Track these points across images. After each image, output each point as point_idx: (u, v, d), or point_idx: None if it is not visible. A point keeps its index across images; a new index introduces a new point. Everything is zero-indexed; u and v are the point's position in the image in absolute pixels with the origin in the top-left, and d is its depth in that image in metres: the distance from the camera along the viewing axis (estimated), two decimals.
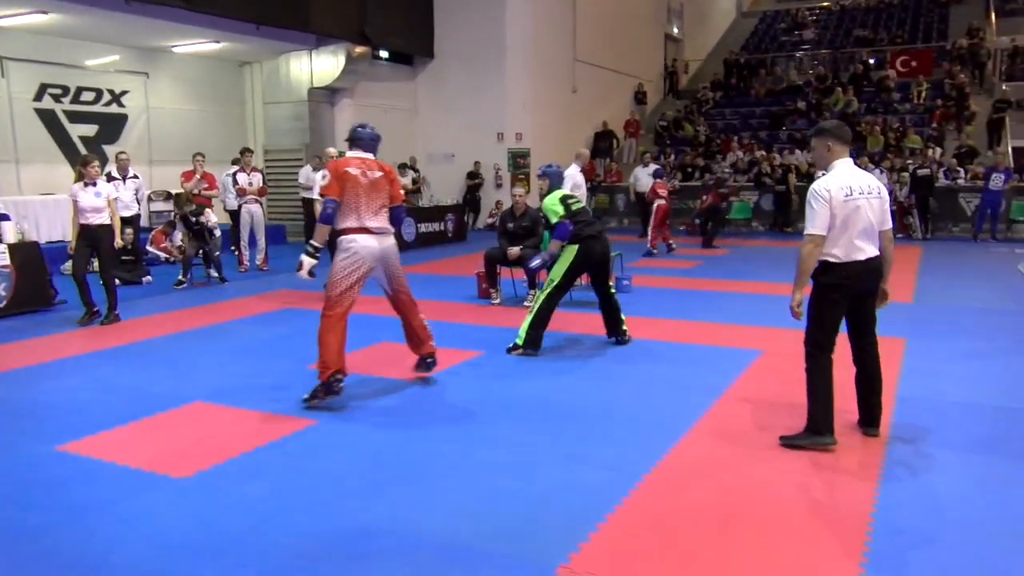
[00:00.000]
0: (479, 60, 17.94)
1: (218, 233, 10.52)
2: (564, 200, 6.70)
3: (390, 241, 5.40)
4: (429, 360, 5.83)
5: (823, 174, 4.44)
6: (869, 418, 4.56)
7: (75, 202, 7.88)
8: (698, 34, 28.27)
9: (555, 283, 6.51)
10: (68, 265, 11.40)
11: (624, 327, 6.88)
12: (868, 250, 4.30)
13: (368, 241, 5.23)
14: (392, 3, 16.89)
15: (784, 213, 17.37)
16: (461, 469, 4.10)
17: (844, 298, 4.32)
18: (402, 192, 5.45)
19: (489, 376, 5.91)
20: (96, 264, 8.16)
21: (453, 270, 11.77)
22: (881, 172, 16.20)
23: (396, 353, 6.62)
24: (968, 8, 25.14)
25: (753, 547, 3.24)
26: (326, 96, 16.58)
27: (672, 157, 20.36)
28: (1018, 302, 8.54)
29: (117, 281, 8.31)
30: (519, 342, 6.48)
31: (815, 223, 4.22)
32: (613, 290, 6.96)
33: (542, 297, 6.52)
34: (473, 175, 18.22)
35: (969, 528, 3.40)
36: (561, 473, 4.02)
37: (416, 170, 16.43)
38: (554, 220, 6.57)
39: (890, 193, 15.69)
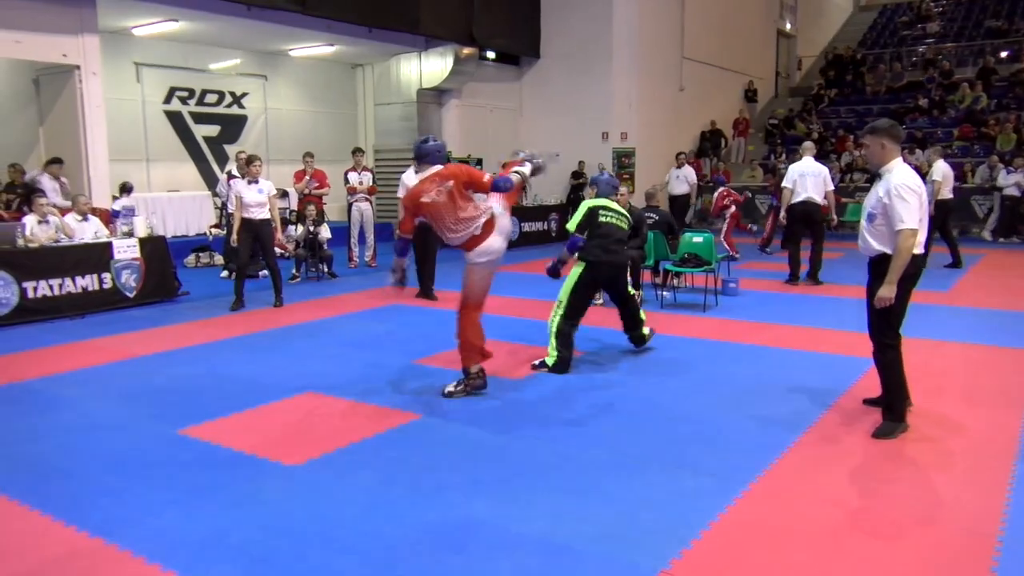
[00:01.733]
0: (585, 59, 17.87)
1: (327, 244, 10.85)
2: (593, 211, 6.31)
3: (500, 218, 5.32)
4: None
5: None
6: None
7: (239, 198, 8.60)
8: (813, 29, 27.28)
9: (562, 303, 6.14)
10: (193, 258, 12.05)
11: (644, 329, 6.57)
12: (925, 244, 4.54)
13: (495, 242, 5.26)
14: (499, 4, 17.05)
15: None
16: (561, 468, 4.10)
17: (913, 287, 4.57)
18: (486, 179, 5.35)
19: (589, 376, 5.89)
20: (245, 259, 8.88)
21: None
22: (1009, 172, 15.23)
23: (498, 351, 6.67)
24: None
25: (864, 562, 3.11)
26: (434, 97, 16.91)
27: (784, 156, 19.72)
28: None
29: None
30: (548, 361, 6.08)
31: (912, 216, 4.36)
32: (633, 292, 6.65)
33: (555, 319, 6.13)
34: (577, 174, 18.17)
35: None
36: (664, 478, 3.97)
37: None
38: (570, 228, 6.36)
39: (1022, 195, 14.84)
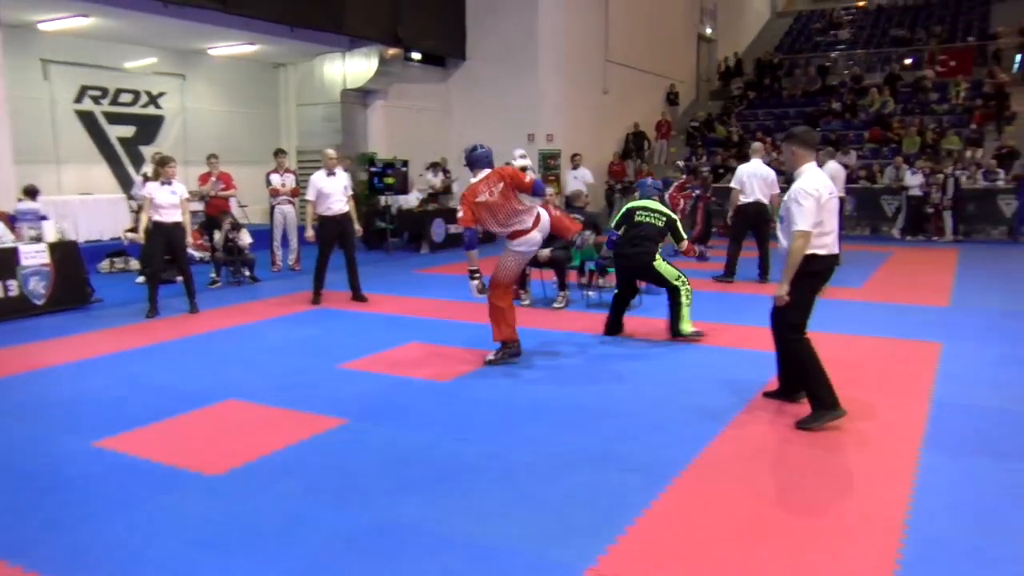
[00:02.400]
0: (511, 61, 17.94)
1: (248, 250, 10.62)
2: (631, 211, 7.20)
3: (541, 216, 6.14)
4: (574, 242, 6.58)
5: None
6: (795, 393, 5.08)
7: (150, 199, 8.24)
8: (732, 34, 28.02)
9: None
10: (107, 262, 11.63)
11: (682, 325, 6.99)
12: (837, 244, 4.77)
13: (534, 236, 6.12)
14: (425, 5, 16.97)
15: None
16: (489, 471, 4.11)
17: (819, 286, 4.79)
18: (528, 178, 6.24)
19: (517, 377, 5.91)
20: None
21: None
22: (914, 173, 15.94)
23: (426, 354, 6.67)
24: (1010, 5, 24.63)
25: (782, 554, 3.21)
26: (359, 97, 16.71)
27: (704, 158, 20.20)
28: None
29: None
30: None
31: (806, 220, 4.57)
32: (676, 283, 7.06)
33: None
34: None
35: (1007, 538, 3.33)
36: (590, 475, 4.01)
37: (447, 171, 16.48)
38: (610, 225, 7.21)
39: (925, 195, 15.56)
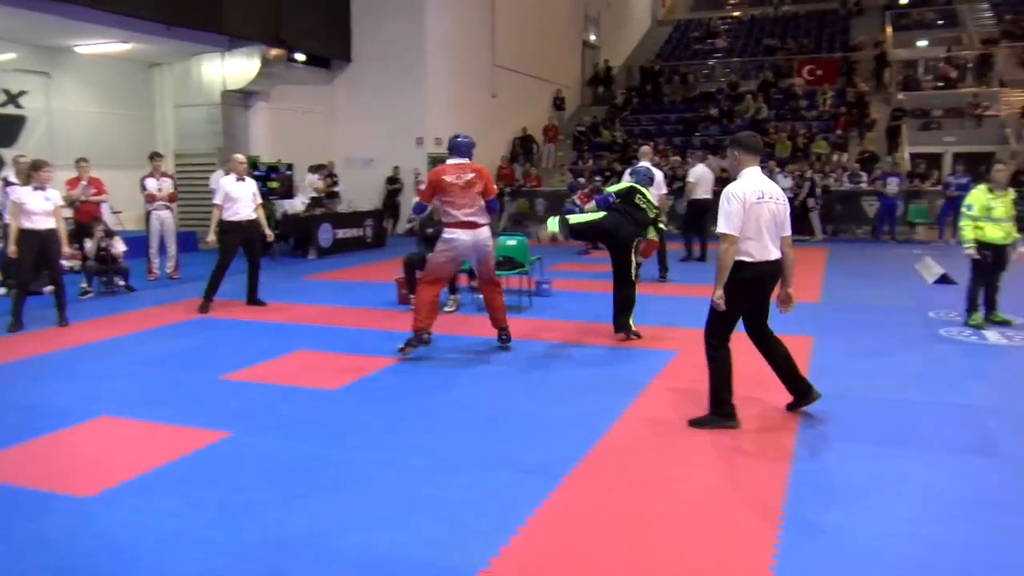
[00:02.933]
0: (398, 64, 17.81)
1: (123, 259, 10.12)
2: (634, 192, 7.22)
3: (484, 232, 6.42)
4: (504, 335, 6.78)
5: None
6: (806, 389, 4.95)
7: (20, 205, 7.71)
8: (615, 41, 28.75)
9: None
10: None
11: (630, 320, 7.15)
12: (774, 252, 4.64)
13: (464, 236, 6.30)
14: (308, 5, 16.62)
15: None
16: (380, 478, 4.05)
17: (750, 295, 4.66)
18: (494, 187, 6.55)
19: (409, 383, 5.86)
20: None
21: (372, 276, 11.65)
22: (785, 176, 16.78)
23: (313, 361, 6.52)
24: (868, 21, 26.34)
25: (669, 545, 3.31)
26: (240, 99, 16.19)
27: (591, 162, 20.64)
28: (916, 299, 8.97)
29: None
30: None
31: (730, 223, 4.50)
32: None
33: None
34: (392, 180, 18.07)
35: (876, 518, 3.54)
36: (481, 478, 4.02)
37: (333, 174, 16.18)
38: (609, 189, 7.39)
39: (795, 197, 16.42)
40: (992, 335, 7.19)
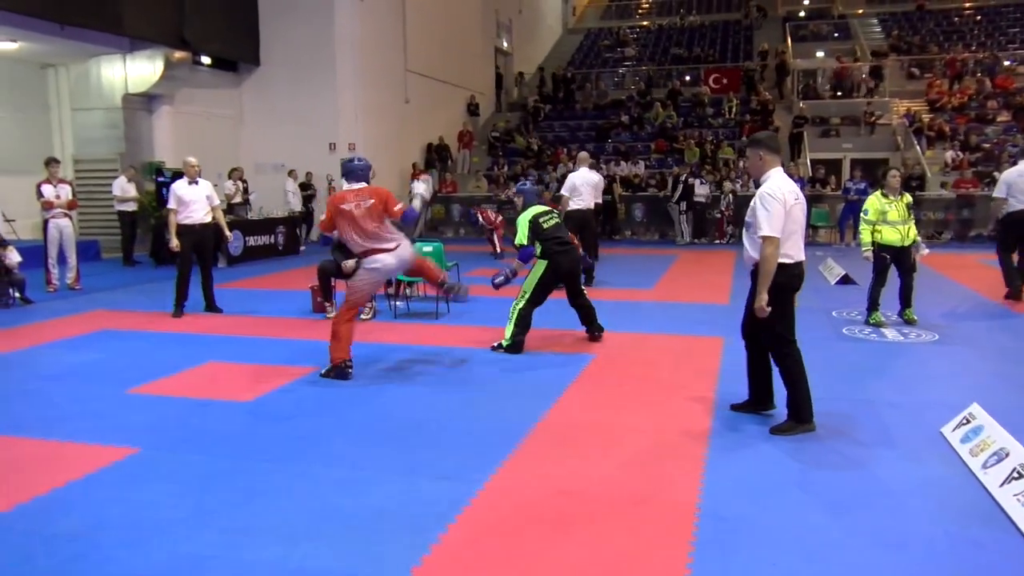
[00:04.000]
0: (308, 68, 17.53)
1: (17, 269, 9.61)
2: (536, 220, 7.00)
3: (405, 247, 6.13)
4: (444, 283, 6.66)
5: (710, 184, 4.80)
6: (767, 400, 5.04)
7: None
8: (527, 48, 29.02)
9: (526, 296, 6.91)
10: None
11: (598, 325, 7.26)
12: (804, 251, 4.67)
13: (388, 259, 6.01)
14: (213, 7, 16.18)
15: (611, 221, 18.10)
16: (294, 490, 3.96)
17: (793, 294, 4.67)
18: (397, 208, 6.10)
19: (324, 393, 5.76)
20: None
21: (286, 284, 11.41)
22: (703, 183, 17.26)
23: (224, 373, 6.34)
24: (768, 32, 27.38)
25: (588, 545, 3.35)
26: (143, 103, 15.62)
27: (505, 168, 20.75)
28: (819, 300, 9.33)
29: None
30: (504, 343, 6.86)
31: (773, 225, 4.43)
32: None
33: (518, 307, 6.89)
34: (305, 186, 17.74)
35: (786, 511, 3.67)
36: (400, 486, 3.98)
37: (244, 180, 15.76)
38: (517, 242, 6.98)
39: (708, 203, 16.90)
40: (891, 333, 7.56)
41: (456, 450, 4.50)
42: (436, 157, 21.00)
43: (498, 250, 14.33)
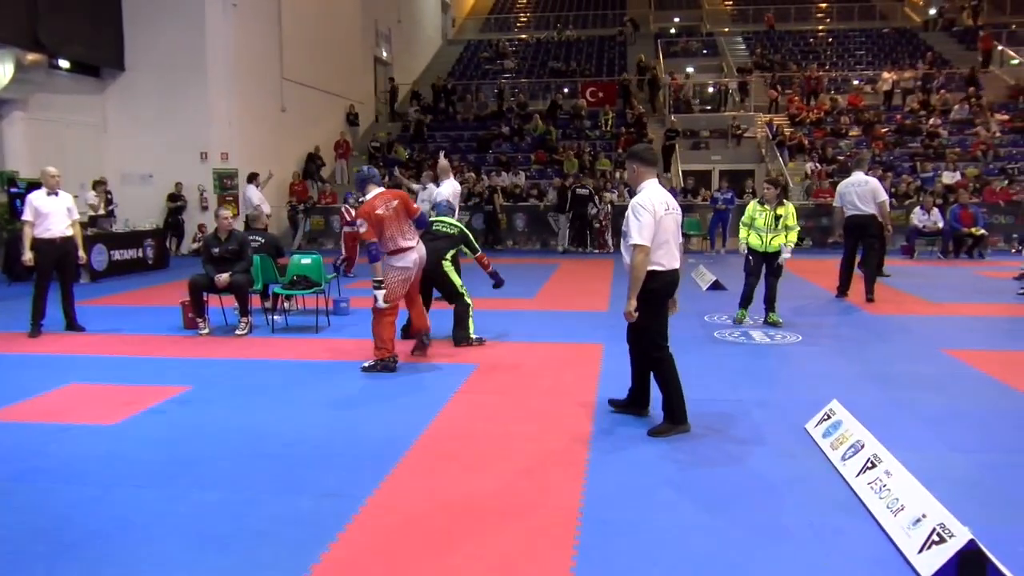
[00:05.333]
0: (177, 74, 16.81)
1: None
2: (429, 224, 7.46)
3: (421, 245, 6.74)
4: (425, 338, 7.09)
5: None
6: (643, 401, 5.24)
7: None
8: (407, 59, 28.89)
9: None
10: None
11: (471, 332, 7.54)
12: (678, 260, 4.86)
13: (413, 255, 6.59)
14: (71, 7, 15.26)
15: (494, 231, 18.24)
16: (167, 517, 3.76)
17: (664, 302, 4.85)
18: (415, 207, 6.72)
19: (199, 412, 5.51)
20: None
21: (155, 300, 10.87)
22: (589, 192, 17.56)
23: (88, 395, 5.98)
24: (640, 48, 28.37)
25: (473, 557, 3.34)
26: None
27: (386, 178, 20.52)
28: (692, 305, 9.69)
29: None
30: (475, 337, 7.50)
31: (643, 234, 4.62)
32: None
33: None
34: (175, 197, 16.99)
35: (663, 512, 3.78)
36: (279, 507, 3.85)
37: (109, 192, 14.93)
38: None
39: (596, 213, 17.25)
40: (758, 335, 7.95)
41: (338, 466, 4.41)
42: (315, 167, 20.54)
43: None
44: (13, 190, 13.20)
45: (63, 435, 5.01)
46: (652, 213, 4.65)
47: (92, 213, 14.09)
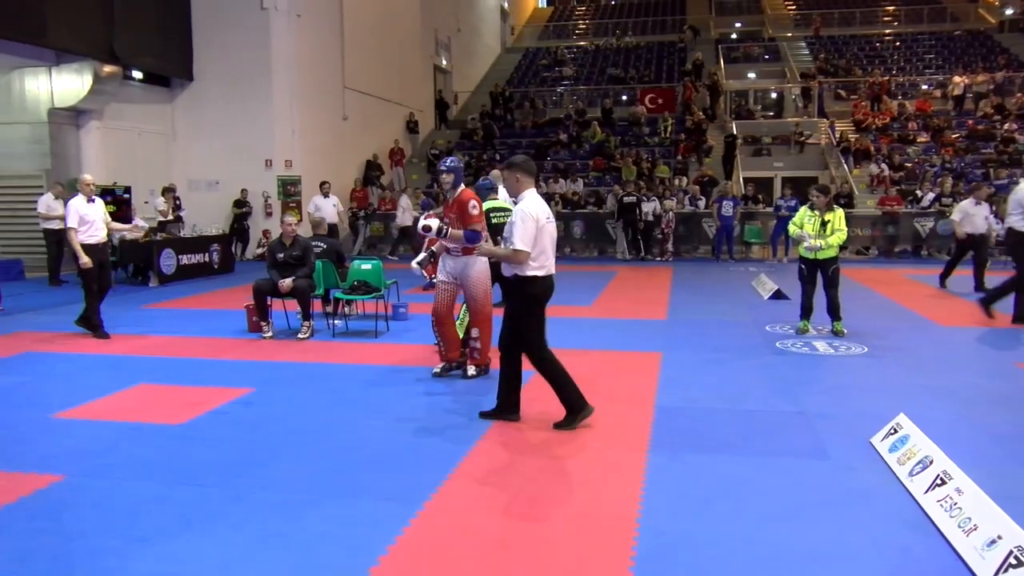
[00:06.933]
0: (243, 84, 17.26)
1: None
2: (487, 214, 7.00)
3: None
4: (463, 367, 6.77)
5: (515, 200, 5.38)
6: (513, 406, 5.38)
7: None
8: (466, 67, 29.14)
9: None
10: None
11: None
12: (554, 266, 5.15)
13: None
14: (143, 20, 15.80)
15: None
16: (229, 516, 3.86)
17: (544, 305, 5.14)
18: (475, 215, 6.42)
19: (260, 415, 5.64)
20: None
21: (220, 303, 11.15)
22: (649, 200, 17.39)
23: (156, 395, 6.16)
24: (701, 53, 28.07)
25: (528, 565, 3.34)
26: (70, 117, 15.14)
27: (434, 186, 20.72)
28: (753, 314, 9.55)
29: None
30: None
31: (525, 240, 4.93)
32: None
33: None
34: (241, 203, 17.43)
35: (723, 524, 3.72)
36: (340, 509, 3.91)
37: (178, 198, 15.39)
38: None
39: (657, 219, 17.09)
40: (821, 345, 7.77)
41: (396, 471, 4.45)
42: (375, 174, 20.85)
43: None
44: (108, 198, 13.67)
45: (133, 433, 5.18)
46: (535, 221, 4.96)
47: (161, 219, 14.55)
